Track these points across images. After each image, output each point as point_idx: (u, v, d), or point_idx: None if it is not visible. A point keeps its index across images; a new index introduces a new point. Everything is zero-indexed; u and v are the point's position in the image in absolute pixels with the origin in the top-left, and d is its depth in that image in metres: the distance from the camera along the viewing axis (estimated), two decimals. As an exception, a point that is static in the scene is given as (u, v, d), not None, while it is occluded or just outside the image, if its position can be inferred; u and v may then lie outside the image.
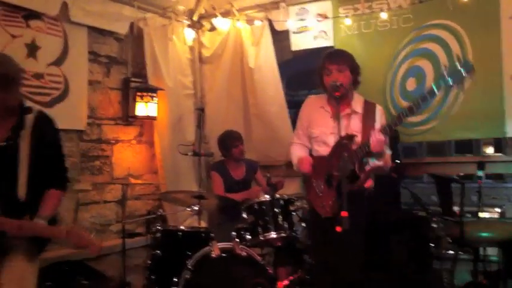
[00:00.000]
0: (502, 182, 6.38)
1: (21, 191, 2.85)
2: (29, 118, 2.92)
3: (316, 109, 3.59)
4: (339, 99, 3.28)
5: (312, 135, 3.56)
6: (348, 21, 5.18)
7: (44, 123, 3.00)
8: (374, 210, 3.43)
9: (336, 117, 3.28)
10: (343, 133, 3.22)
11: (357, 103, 3.50)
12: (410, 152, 5.19)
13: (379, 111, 3.50)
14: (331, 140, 3.37)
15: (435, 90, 3.14)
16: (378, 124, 3.40)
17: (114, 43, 5.38)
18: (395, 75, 5.02)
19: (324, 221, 3.30)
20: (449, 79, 3.09)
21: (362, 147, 3.24)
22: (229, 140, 5.04)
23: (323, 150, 3.47)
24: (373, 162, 3.29)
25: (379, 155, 3.27)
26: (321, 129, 3.50)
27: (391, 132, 3.25)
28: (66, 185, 3.13)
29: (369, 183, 3.37)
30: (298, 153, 3.64)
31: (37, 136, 2.90)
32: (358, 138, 3.32)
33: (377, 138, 3.17)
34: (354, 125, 3.39)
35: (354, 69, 3.50)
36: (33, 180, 2.89)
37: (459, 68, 3.06)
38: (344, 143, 3.23)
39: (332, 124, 3.39)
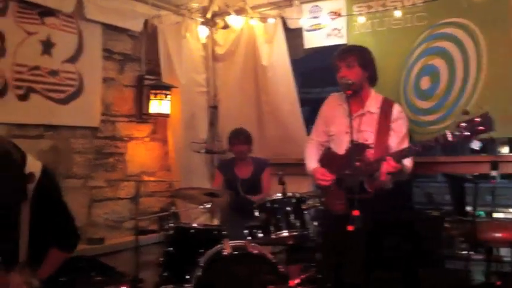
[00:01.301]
0: (517, 182, 6.33)
1: (22, 254, 2.79)
2: (30, 187, 2.73)
3: (335, 107, 3.57)
4: (350, 98, 3.25)
5: (329, 133, 3.55)
6: (362, 19, 5.15)
7: (47, 189, 2.84)
8: (383, 210, 3.40)
9: (349, 115, 3.24)
10: (354, 133, 3.18)
11: (373, 102, 3.45)
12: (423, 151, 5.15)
13: (396, 110, 3.45)
14: (346, 140, 3.32)
15: (449, 138, 3.01)
16: (398, 126, 3.38)
17: (128, 40, 5.41)
18: (409, 73, 4.98)
19: (336, 219, 3.29)
20: (466, 132, 2.94)
21: (375, 163, 3.20)
22: (230, 138, 5.01)
23: (337, 150, 3.47)
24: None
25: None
26: (338, 127, 3.48)
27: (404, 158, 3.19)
28: (71, 247, 3.06)
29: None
30: (312, 161, 3.60)
31: (38, 204, 2.78)
32: (373, 139, 3.30)
33: (389, 165, 3.12)
34: (366, 125, 3.36)
35: (366, 64, 3.44)
36: (34, 243, 2.81)
37: (478, 121, 2.90)
38: (357, 150, 3.21)
39: (348, 123, 3.28)
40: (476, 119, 2.90)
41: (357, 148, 3.24)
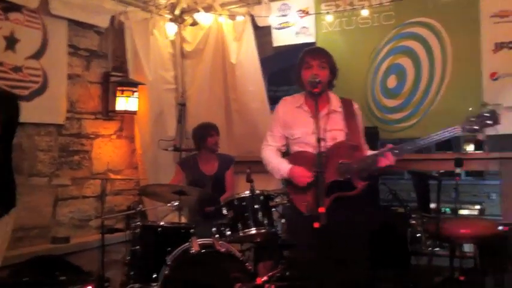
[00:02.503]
0: (482, 179, 6.40)
1: None
2: None
3: (293, 109, 3.55)
4: (317, 96, 3.26)
5: (293, 136, 3.51)
6: (330, 18, 5.19)
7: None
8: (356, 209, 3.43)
9: (315, 115, 3.23)
10: (322, 132, 3.19)
11: (334, 102, 3.49)
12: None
13: (356, 107, 3.52)
14: (313, 140, 3.33)
15: (459, 131, 3.08)
16: (359, 122, 3.46)
17: (95, 36, 5.34)
18: (377, 72, 5.05)
19: (307, 218, 3.29)
20: (475, 126, 3.02)
21: (367, 162, 3.23)
22: (205, 129, 4.96)
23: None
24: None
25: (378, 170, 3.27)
26: (302, 129, 3.46)
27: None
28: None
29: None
30: (283, 163, 3.53)
31: None
32: (341, 137, 3.33)
33: (388, 159, 3.15)
34: (333, 124, 3.38)
35: (333, 69, 3.49)
36: None
37: (486, 116, 3.00)
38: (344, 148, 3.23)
39: (313, 124, 3.30)
40: (485, 114, 3.00)
41: (344, 147, 3.26)
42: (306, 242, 3.31)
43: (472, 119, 3.01)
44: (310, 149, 3.36)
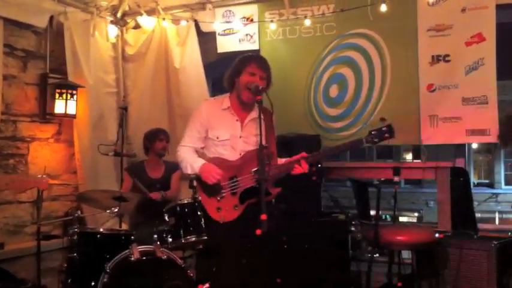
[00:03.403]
0: (420, 187, 6.61)
1: None
2: None
3: (218, 112, 3.58)
4: (260, 103, 3.31)
5: (218, 138, 3.54)
6: (273, 26, 5.25)
7: None
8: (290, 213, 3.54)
9: (239, 120, 3.49)
10: (250, 137, 3.41)
11: (257, 109, 3.54)
12: (334, 156, 5.34)
13: (274, 118, 3.58)
14: (240, 145, 3.47)
15: (364, 143, 3.49)
16: (274, 132, 3.56)
17: (32, 36, 5.18)
18: (319, 81, 5.14)
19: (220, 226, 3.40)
20: (376, 139, 3.47)
21: (283, 169, 3.43)
22: (155, 133, 5.07)
23: (229, 155, 3.50)
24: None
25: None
26: (230, 132, 3.51)
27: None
28: None
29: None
30: (197, 160, 3.57)
31: None
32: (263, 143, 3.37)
33: (303, 168, 3.40)
34: (258, 130, 3.43)
35: (269, 82, 3.55)
36: None
37: (384, 130, 3.47)
38: (264, 155, 3.25)
39: (240, 128, 3.52)
40: (383, 129, 3.47)
41: (263, 152, 3.29)
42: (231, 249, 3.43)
43: (373, 133, 3.47)
44: (234, 153, 3.50)
